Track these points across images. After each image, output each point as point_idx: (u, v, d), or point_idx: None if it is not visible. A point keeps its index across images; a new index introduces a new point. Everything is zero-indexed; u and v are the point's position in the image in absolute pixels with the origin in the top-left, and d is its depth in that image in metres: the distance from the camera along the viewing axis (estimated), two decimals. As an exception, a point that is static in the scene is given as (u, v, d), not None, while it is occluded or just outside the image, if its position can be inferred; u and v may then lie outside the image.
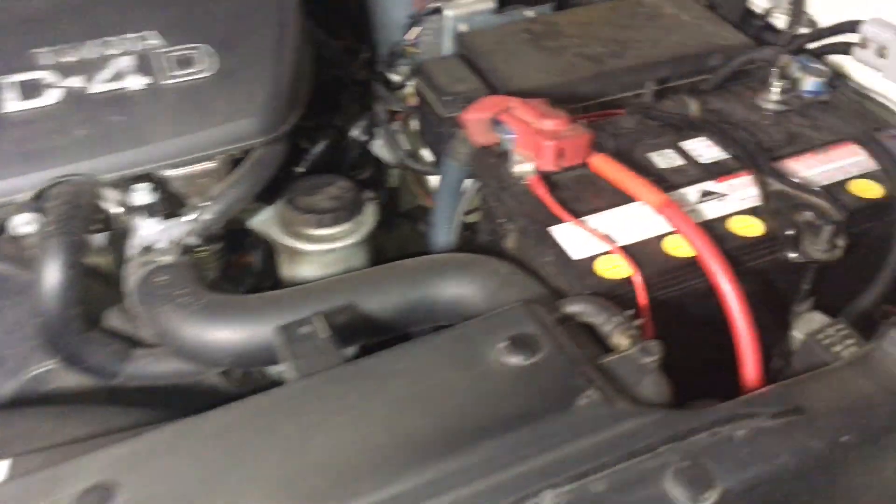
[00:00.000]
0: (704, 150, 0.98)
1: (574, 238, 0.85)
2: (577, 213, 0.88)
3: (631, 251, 0.83)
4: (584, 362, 0.66)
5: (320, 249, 0.99)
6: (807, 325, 0.88)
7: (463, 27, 1.23)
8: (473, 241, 1.09)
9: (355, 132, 1.40)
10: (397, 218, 1.37)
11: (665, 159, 0.96)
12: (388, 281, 0.87)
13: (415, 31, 1.25)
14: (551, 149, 0.87)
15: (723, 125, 1.00)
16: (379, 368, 0.69)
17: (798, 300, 0.92)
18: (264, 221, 1.04)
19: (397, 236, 1.41)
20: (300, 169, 1.36)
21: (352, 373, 0.69)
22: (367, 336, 0.88)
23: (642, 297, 0.79)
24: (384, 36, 1.34)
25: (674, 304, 0.85)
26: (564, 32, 1.21)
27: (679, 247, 0.84)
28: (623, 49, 1.16)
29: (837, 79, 1.07)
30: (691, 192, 0.91)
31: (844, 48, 1.09)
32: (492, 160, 0.97)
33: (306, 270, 1.01)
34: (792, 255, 0.85)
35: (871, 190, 0.91)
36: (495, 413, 0.63)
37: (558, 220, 0.87)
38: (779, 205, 0.88)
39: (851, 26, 1.06)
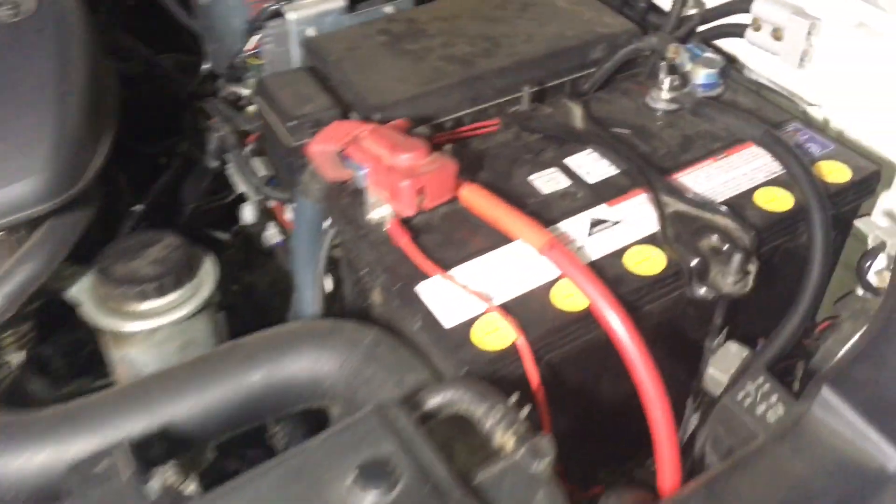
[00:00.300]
0: (592, 165, 0.84)
1: (445, 297, 0.71)
2: (449, 263, 0.73)
3: (514, 308, 0.69)
4: (454, 489, 0.52)
5: (144, 328, 0.81)
6: (723, 360, 0.78)
7: (310, 31, 1.06)
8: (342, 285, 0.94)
9: (205, 158, 1.22)
10: (264, 255, 1.20)
11: (548, 182, 0.83)
12: (223, 370, 0.70)
13: (255, 39, 1.07)
14: (409, 190, 0.72)
15: (610, 135, 0.87)
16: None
17: (710, 335, 0.80)
18: (78, 295, 0.85)
19: (269, 271, 1.24)
20: (139, 207, 1.18)
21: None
22: (203, 440, 0.71)
23: (531, 370, 0.66)
24: (223, 47, 1.15)
25: (570, 361, 0.72)
26: (427, 31, 1.05)
27: (570, 295, 0.70)
28: (494, 47, 1.01)
29: (731, 67, 0.95)
30: (580, 223, 0.78)
31: (736, 30, 0.97)
32: (345, 200, 0.81)
33: (135, 353, 0.84)
34: (699, 290, 0.73)
35: (780, 200, 0.79)
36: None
37: (425, 275, 0.72)
38: (679, 229, 0.75)
39: (742, 5, 0.94)
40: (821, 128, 0.92)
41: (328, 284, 0.93)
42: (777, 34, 0.91)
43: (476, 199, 0.76)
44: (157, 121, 1.24)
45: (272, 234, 1.18)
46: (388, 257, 0.75)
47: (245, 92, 1.18)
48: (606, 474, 0.83)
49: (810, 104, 0.94)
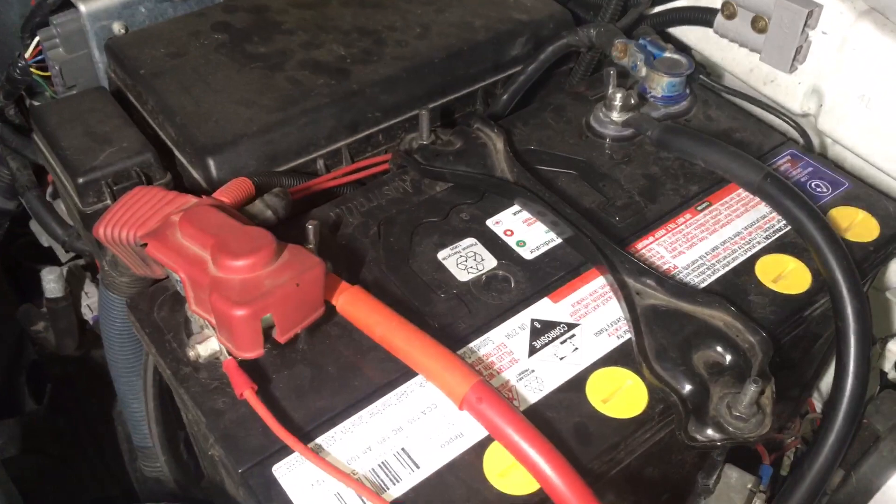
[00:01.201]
0: (524, 230, 0.59)
1: (318, 487, 0.45)
2: (320, 420, 0.47)
3: (430, 498, 0.44)
4: None
5: None
6: (723, 496, 0.56)
7: (116, 28, 0.76)
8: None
9: (-5, 198, 0.90)
10: (83, 331, 0.90)
11: (465, 261, 0.57)
12: None
13: (35, 43, 0.75)
14: (246, 323, 0.45)
15: (545, 181, 0.61)
16: None
17: (705, 470, 0.57)
18: None
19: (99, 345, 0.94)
20: None
21: None
22: None
23: None
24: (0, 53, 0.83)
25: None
26: (283, 23, 0.76)
27: (511, 470, 0.45)
28: (377, 46, 0.74)
29: (701, 71, 0.70)
30: (516, 331, 0.52)
31: (701, 17, 0.73)
32: (160, 313, 0.53)
33: None
34: (697, 434, 0.49)
35: (794, 275, 0.56)
36: None
37: (284, 449, 0.46)
38: (662, 338, 0.51)
39: (709, -15, 0.70)
40: (818, 150, 0.69)
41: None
42: (759, 24, 0.67)
43: (359, 313, 0.50)
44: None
45: (94, 303, 0.88)
46: (226, 417, 0.47)
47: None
48: None
49: (800, 114, 0.71)
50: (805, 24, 0.64)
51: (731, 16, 0.69)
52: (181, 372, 0.50)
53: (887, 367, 0.70)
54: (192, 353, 0.48)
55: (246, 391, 0.47)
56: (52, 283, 0.80)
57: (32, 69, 0.76)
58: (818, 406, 0.77)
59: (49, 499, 0.83)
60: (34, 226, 0.88)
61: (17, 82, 0.78)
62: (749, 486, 0.58)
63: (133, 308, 0.54)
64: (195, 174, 0.65)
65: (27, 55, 0.75)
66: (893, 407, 0.59)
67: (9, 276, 1.02)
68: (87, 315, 0.86)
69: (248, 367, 0.48)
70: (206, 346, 0.48)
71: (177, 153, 0.67)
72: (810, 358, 0.69)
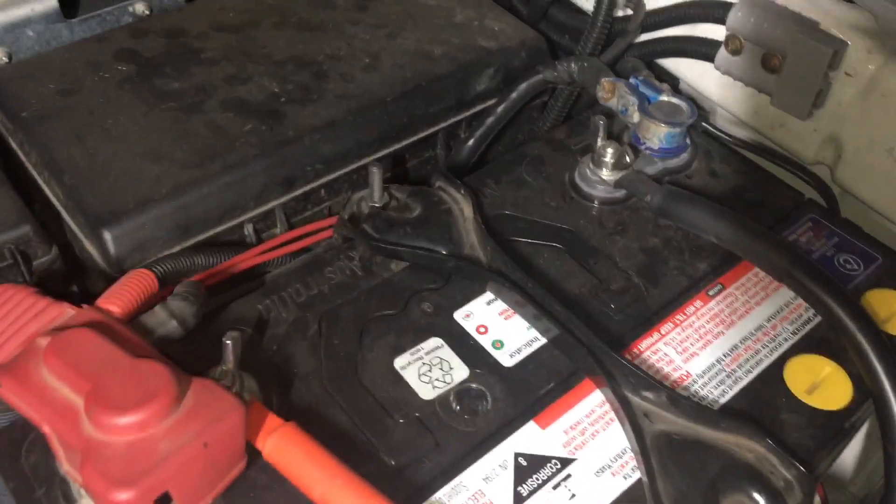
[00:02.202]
0: (500, 327, 0.47)
1: None
2: None
3: None
4: None
5: None
6: None
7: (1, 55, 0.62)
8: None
9: None
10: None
11: (429, 370, 0.45)
12: None
13: None
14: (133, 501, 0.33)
15: (521, 265, 0.50)
16: None
17: None
18: None
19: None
20: None
21: None
22: None
23: None
24: None
25: None
26: (202, 51, 0.63)
27: None
28: (316, 80, 0.61)
29: (704, 118, 0.60)
30: (496, 470, 0.41)
31: (699, 49, 0.62)
32: (28, 462, 0.41)
33: None
34: None
35: (830, 383, 0.46)
36: None
37: None
38: (679, 479, 0.40)
39: (712, 11, 0.59)
40: (836, 212, 0.59)
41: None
42: (771, 63, 0.57)
43: (291, 463, 0.38)
44: None
45: None
46: None
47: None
48: None
49: (812, 162, 0.61)
50: (828, 66, 0.54)
51: (736, 51, 0.59)
52: (55, 545, 0.37)
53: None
54: (63, 527, 0.36)
55: (137, 587, 0.34)
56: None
57: None
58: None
59: None
60: None
61: None
62: None
63: (2, 455, 0.41)
64: (89, 247, 0.52)
65: None
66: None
67: None
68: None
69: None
70: (84, 520, 0.36)
71: (69, 221, 0.54)
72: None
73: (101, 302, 0.41)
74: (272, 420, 0.39)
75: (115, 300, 0.41)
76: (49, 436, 0.35)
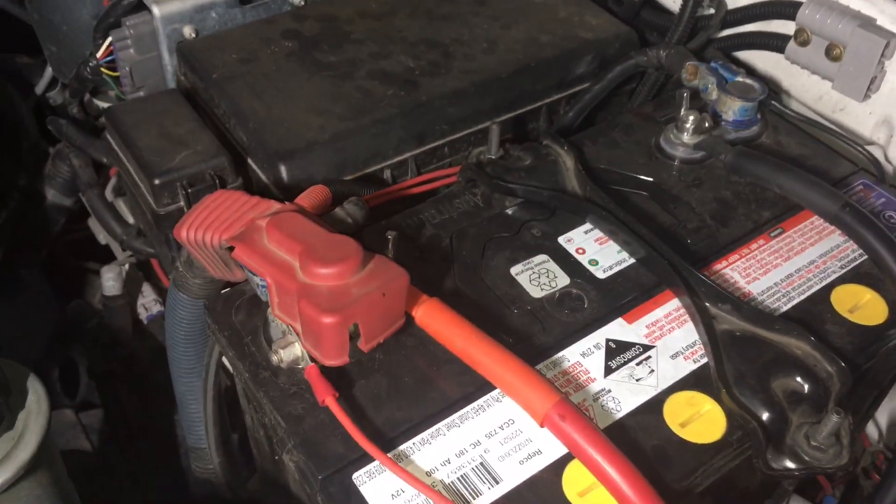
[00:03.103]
0: (596, 249, 0.59)
1: (398, 498, 0.45)
2: (400, 430, 0.47)
3: (507, 516, 0.44)
4: None
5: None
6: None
7: (187, 31, 0.76)
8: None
9: (51, 193, 0.91)
10: (136, 329, 0.90)
11: (538, 277, 0.57)
12: None
13: (107, 44, 0.76)
14: (335, 330, 0.45)
15: (616, 201, 0.61)
16: None
17: (774, 497, 0.57)
18: None
19: (150, 338, 0.94)
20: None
21: None
22: None
23: None
24: (67, 49, 0.84)
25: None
26: (352, 33, 0.77)
27: (591, 488, 0.45)
28: (444, 59, 0.74)
29: (772, 97, 0.70)
30: (591, 350, 0.52)
31: (772, 42, 0.73)
32: (238, 316, 0.54)
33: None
34: (775, 464, 0.49)
35: (870, 306, 0.56)
36: None
37: (365, 459, 0.46)
38: (739, 364, 0.51)
39: (784, 9, 0.70)
40: (885, 180, 0.68)
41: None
42: (833, 53, 0.67)
43: (438, 325, 0.50)
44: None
45: (149, 303, 0.89)
46: (306, 422, 0.48)
47: (104, 105, 0.88)
48: None
49: (867, 142, 0.71)
50: (882, 55, 0.64)
51: (804, 43, 0.69)
52: (260, 376, 0.50)
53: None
54: (275, 358, 0.48)
55: (328, 398, 0.47)
56: (110, 280, 0.81)
57: (103, 69, 0.77)
58: (871, 437, 0.76)
59: (83, 497, 0.84)
60: (92, 223, 0.89)
61: (87, 81, 0.79)
62: (814, 515, 0.57)
63: (210, 310, 0.54)
64: (265, 178, 0.66)
65: (98, 55, 0.76)
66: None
67: (51, 273, 1.02)
68: (142, 314, 0.86)
69: (327, 374, 0.48)
70: (289, 352, 0.48)
71: (248, 157, 0.68)
72: (868, 391, 0.68)
73: (297, 200, 0.54)
74: (423, 296, 0.51)
75: (307, 200, 0.54)
76: (270, 286, 0.47)
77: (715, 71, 0.68)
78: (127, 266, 0.84)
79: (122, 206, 0.84)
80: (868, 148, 0.70)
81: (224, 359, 0.60)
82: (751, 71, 0.77)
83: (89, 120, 0.88)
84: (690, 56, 0.70)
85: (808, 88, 0.72)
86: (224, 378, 0.66)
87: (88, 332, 0.88)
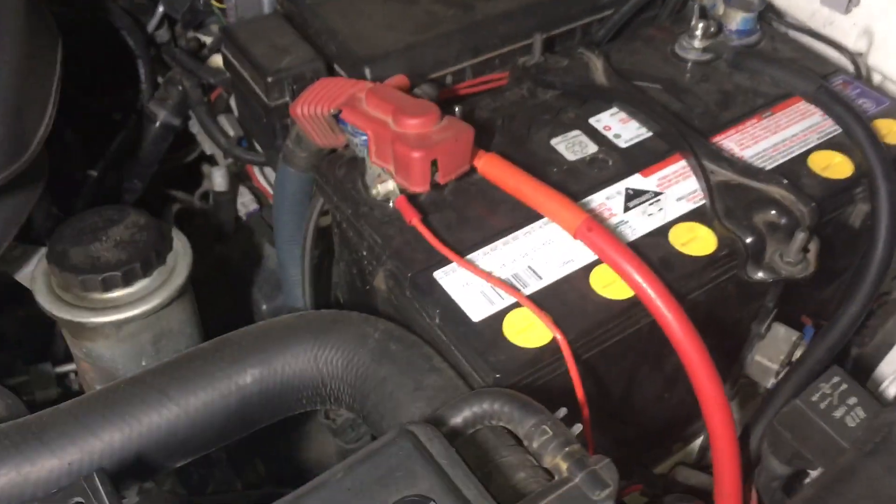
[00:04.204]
0: (620, 126, 0.74)
1: (468, 287, 0.60)
2: (468, 246, 0.63)
3: (549, 299, 0.59)
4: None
5: (112, 321, 0.69)
6: (772, 345, 0.70)
7: (283, -30, 0.92)
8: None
9: (163, 114, 1.08)
10: (238, 223, 1.07)
11: (573, 146, 0.72)
12: (210, 373, 0.59)
13: (218, -21, 0.93)
14: (421, 162, 0.61)
15: (637, 90, 0.76)
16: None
17: (759, 318, 0.71)
18: (31, 281, 0.73)
19: (242, 239, 1.11)
20: (93, 172, 1.05)
21: None
22: (188, 456, 0.61)
23: (574, 375, 0.56)
24: (181, -13, 1.01)
25: (609, 358, 0.62)
26: (417, -31, 0.92)
27: (612, 283, 0.60)
28: (496, -13, 0.89)
29: (770, 11, 0.84)
30: (614, 195, 0.67)
31: (771, -31, 0.86)
32: (340, 172, 0.70)
33: (101, 347, 0.72)
34: (756, 273, 0.64)
35: (838, 166, 0.70)
36: None
37: (443, 261, 0.62)
38: (730, 202, 0.66)
39: (779, -60, 0.84)
40: (870, 80, 0.82)
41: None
42: (821, -28, 0.81)
43: (496, 170, 0.65)
44: (107, 72, 1.09)
45: (247, 202, 1.05)
46: (397, 240, 0.64)
47: (207, 40, 1.04)
48: (639, 471, 0.75)
49: (856, 52, 0.84)
50: (859, -29, 0.78)
51: (797, -34, 0.83)
52: (360, 210, 0.66)
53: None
54: (374, 192, 0.64)
55: (414, 219, 0.63)
56: (219, 178, 0.98)
57: (212, 1, 0.94)
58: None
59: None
60: (200, 136, 1.06)
61: (199, 13, 0.96)
62: (793, 338, 0.71)
63: (319, 171, 0.70)
64: (351, 82, 0.81)
65: (210, -11, 0.93)
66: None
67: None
68: (241, 212, 1.03)
69: (413, 205, 0.64)
70: (385, 186, 0.64)
71: (336, 66, 0.83)
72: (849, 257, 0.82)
73: (386, 83, 0.70)
74: (482, 151, 0.66)
75: (392, 83, 0.70)
76: (370, 137, 0.63)
77: (722, -10, 0.82)
78: (229, 167, 1.01)
79: (223, 122, 1.01)
80: (854, 56, 0.83)
81: (320, 221, 0.76)
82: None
83: (194, 50, 1.04)
84: (701, -22, 0.84)
85: (802, 7, 0.86)
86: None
87: (195, 228, 1.05)
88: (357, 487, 0.45)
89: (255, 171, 1.01)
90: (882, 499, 0.48)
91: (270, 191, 0.98)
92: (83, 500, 0.49)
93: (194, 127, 1.07)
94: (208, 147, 1.06)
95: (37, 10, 0.74)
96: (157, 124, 1.06)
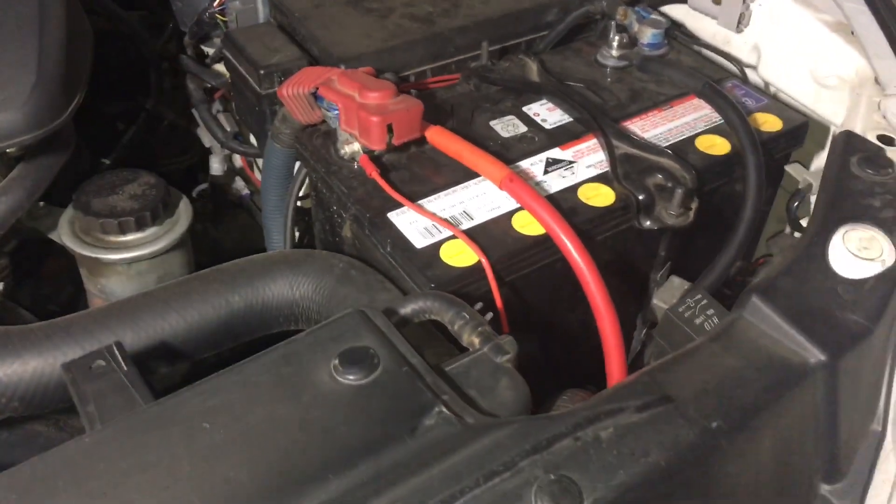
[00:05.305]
0: (547, 114, 0.91)
1: (415, 224, 0.76)
2: (416, 196, 0.79)
3: (478, 234, 0.75)
4: (428, 373, 0.57)
5: (125, 258, 0.85)
6: (667, 291, 0.85)
7: (277, -11, 1.10)
8: (311, 230, 0.99)
9: (171, 114, 1.25)
10: (230, 208, 1.23)
11: (507, 127, 0.89)
12: (205, 290, 0.75)
13: (222, -4, 1.10)
14: (378, 125, 0.77)
15: (564, 86, 0.93)
16: (191, 407, 0.57)
17: (655, 267, 0.87)
18: (59, 228, 0.88)
19: (234, 227, 1.27)
20: (107, 161, 1.21)
21: (157, 415, 0.57)
22: (186, 357, 0.76)
23: (494, 286, 0.71)
24: (189, 4, 1.18)
25: (530, 285, 0.78)
26: (390, -9, 1.10)
27: (529, 223, 0.76)
28: (454, 8, 1.07)
29: (675, 30, 1.02)
30: (537, 162, 0.84)
31: (679, -4, 1.05)
32: (317, 141, 0.86)
33: (114, 283, 0.87)
34: (646, 222, 0.80)
35: (719, 145, 0.87)
36: (331, 448, 0.54)
37: (395, 205, 0.77)
38: (628, 169, 0.82)
39: (685, -27, 1.02)
40: (756, 86, 0.99)
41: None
42: (716, -1, 0.99)
43: (441, 138, 0.82)
44: (119, 79, 1.26)
45: (240, 187, 1.21)
46: (359, 190, 0.79)
47: (210, 51, 1.21)
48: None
49: (747, 65, 1.02)
50: (745, -1, 0.96)
51: (698, -6, 1.01)
52: (331, 169, 0.82)
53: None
54: (342, 151, 0.80)
55: (374, 172, 0.78)
56: (216, 164, 1.14)
57: (217, 15, 1.11)
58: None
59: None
60: (200, 132, 1.23)
61: (204, 25, 1.13)
62: (685, 286, 0.87)
63: (300, 141, 0.87)
64: (331, 78, 0.98)
65: (214, 5, 1.10)
66: (783, 238, 0.89)
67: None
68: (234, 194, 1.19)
69: (373, 163, 0.80)
70: (351, 147, 0.80)
71: (318, 64, 1.00)
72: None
73: (355, 70, 0.86)
74: (431, 125, 0.83)
75: (362, 70, 0.86)
76: (340, 108, 0.79)
77: (637, 12, 1.00)
78: (226, 155, 1.17)
79: (221, 119, 1.17)
80: (746, 69, 1.01)
81: (301, 189, 0.92)
82: (673, 20, 1.09)
83: (199, 57, 1.21)
84: (622, 3, 1.02)
85: (706, 28, 1.04)
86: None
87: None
88: (313, 342, 0.60)
89: (247, 163, 1.18)
90: (717, 370, 0.63)
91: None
92: (104, 362, 0.63)
93: (197, 126, 1.24)
94: (207, 140, 1.22)
95: (76, 5, 0.90)
96: (165, 122, 1.23)
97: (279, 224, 0.98)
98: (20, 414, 0.73)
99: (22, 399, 0.67)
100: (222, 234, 1.26)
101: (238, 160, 1.24)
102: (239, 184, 1.19)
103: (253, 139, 1.13)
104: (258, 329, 0.78)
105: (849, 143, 0.80)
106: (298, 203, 0.95)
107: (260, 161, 1.15)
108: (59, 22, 0.81)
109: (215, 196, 1.17)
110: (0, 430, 0.82)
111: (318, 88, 0.82)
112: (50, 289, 1.14)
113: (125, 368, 0.62)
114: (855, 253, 0.69)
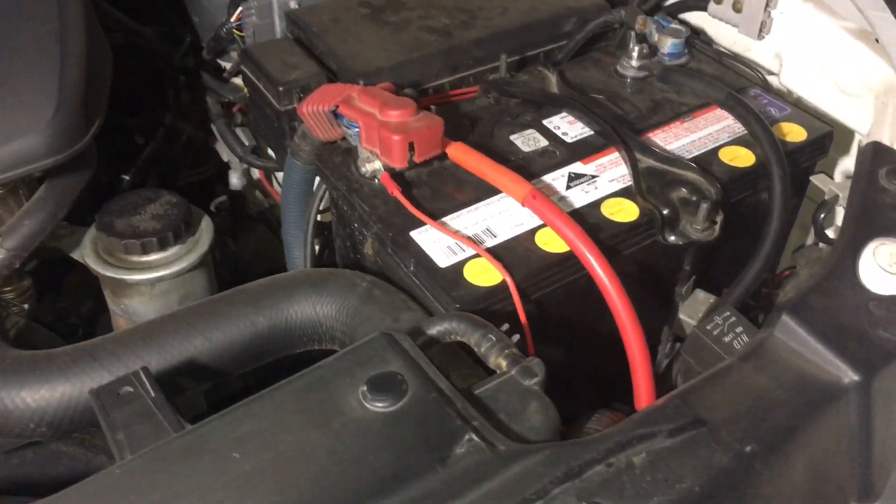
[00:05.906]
0: (568, 127, 0.90)
1: (437, 243, 0.76)
2: (438, 213, 0.78)
3: (501, 252, 0.74)
4: (457, 398, 0.57)
5: (148, 279, 0.85)
6: (692, 306, 0.84)
7: (293, 4, 1.10)
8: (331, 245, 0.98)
9: (189, 128, 1.25)
10: (248, 221, 1.23)
11: (528, 141, 0.88)
12: (229, 312, 0.74)
13: (238, 12, 1.10)
14: (400, 143, 0.77)
15: (584, 98, 0.93)
16: (220, 436, 0.57)
17: (680, 281, 0.86)
18: (81, 248, 0.89)
19: (253, 241, 1.27)
20: (127, 177, 1.21)
21: (187, 445, 0.56)
22: (212, 379, 0.76)
23: (519, 305, 0.71)
24: (207, 19, 1.18)
25: (554, 302, 0.77)
26: (406, 4, 1.10)
27: (552, 241, 0.76)
28: (471, 19, 1.06)
29: (695, 38, 1.01)
30: (559, 177, 0.83)
31: (700, 4, 1.03)
32: (337, 158, 0.86)
33: (137, 303, 0.87)
34: (670, 237, 0.79)
35: (743, 157, 0.86)
36: (362, 477, 0.53)
37: (418, 223, 0.77)
38: (651, 183, 0.81)
39: (705, -18, 1.01)
40: (779, 94, 0.98)
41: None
42: (737, 6, 0.98)
43: (462, 154, 0.81)
44: (137, 94, 1.26)
45: (259, 201, 1.21)
46: (381, 209, 0.79)
47: (227, 65, 1.21)
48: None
49: (769, 72, 1.01)
50: (766, 5, 0.95)
51: (718, 1, 1.00)
52: (353, 186, 0.82)
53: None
54: (363, 170, 0.80)
55: (395, 191, 0.78)
56: (235, 179, 1.14)
57: (234, 31, 1.11)
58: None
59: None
60: (218, 146, 1.23)
61: (222, 40, 1.13)
62: (711, 300, 0.86)
63: (320, 158, 0.86)
64: (349, 93, 0.98)
65: (232, 20, 1.10)
66: (810, 250, 0.88)
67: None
68: (252, 210, 1.19)
69: (395, 181, 0.80)
70: (372, 165, 0.80)
71: (337, 79, 1.00)
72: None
73: (376, 87, 0.86)
74: (452, 141, 0.82)
75: (382, 87, 0.86)
76: (361, 126, 0.79)
77: (657, 21, 0.99)
78: (245, 169, 1.17)
79: (240, 133, 1.17)
80: (767, 76, 1.00)
81: (321, 206, 0.92)
82: (692, 27, 1.08)
83: (217, 72, 1.21)
84: (641, 13, 1.01)
85: (726, 35, 1.03)
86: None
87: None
88: (341, 368, 0.60)
89: (264, 177, 1.18)
90: (749, 391, 0.62)
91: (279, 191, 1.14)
92: (132, 388, 0.63)
93: (216, 140, 1.24)
94: (225, 155, 1.22)
95: (94, 25, 0.90)
96: (184, 136, 1.23)
97: (299, 240, 0.98)
98: (48, 439, 0.73)
99: (50, 424, 0.67)
100: (241, 247, 1.26)
101: (256, 172, 1.24)
102: (258, 197, 1.19)
103: (271, 152, 1.13)
104: (282, 349, 0.78)
105: (876, 154, 0.79)
106: (318, 217, 0.95)
107: (279, 174, 1.16)
108: (80, 45, 0.82)
109: (234, 209, 1.18)
110: (25, 450, 0.83)
111: (338, 106, 0.81)
112: (70, 302, 1.14)
113: (153, 394, 0.62)
114: (886, 268, 0.68)
